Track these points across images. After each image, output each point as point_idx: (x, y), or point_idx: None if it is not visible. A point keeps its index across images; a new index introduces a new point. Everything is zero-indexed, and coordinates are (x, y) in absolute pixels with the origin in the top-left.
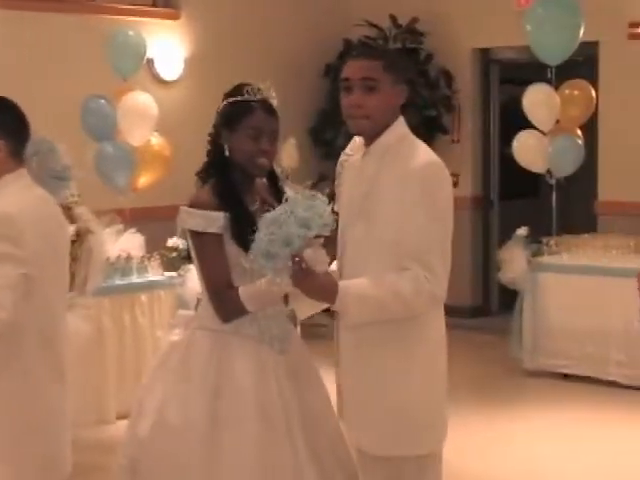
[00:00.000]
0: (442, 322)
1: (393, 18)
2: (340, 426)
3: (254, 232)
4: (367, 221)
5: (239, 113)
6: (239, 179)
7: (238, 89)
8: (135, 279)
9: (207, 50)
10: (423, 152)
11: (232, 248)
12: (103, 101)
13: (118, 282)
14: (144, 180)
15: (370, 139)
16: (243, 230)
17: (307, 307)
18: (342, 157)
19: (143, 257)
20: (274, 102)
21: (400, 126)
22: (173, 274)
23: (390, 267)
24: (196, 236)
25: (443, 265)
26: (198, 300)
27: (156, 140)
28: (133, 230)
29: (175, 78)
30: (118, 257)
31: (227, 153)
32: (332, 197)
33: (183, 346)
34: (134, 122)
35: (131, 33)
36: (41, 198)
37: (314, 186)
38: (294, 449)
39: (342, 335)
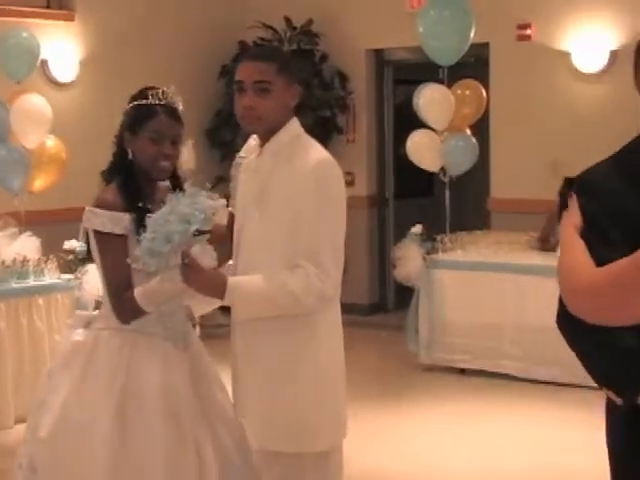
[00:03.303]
0: (335, 320)
1: (288, 20)
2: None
3: None
4: (261, 219)
5: (142, 117)
6: (142, 182)
7: (143, 93)
8: (32, 282)
9: (102, 52)
10: (315, 151)
11: (131, 255)
12: None
13: (14, 285)
14: (39, 183)
15: (264, 139)
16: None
17: (202, 304)
18: (236, 160)
19: (39, 260)
20: (179, 107)
21: (294, 126)
22: (70, 277)
23: (284, 265)
24: (100, 236)
25: (335, 264)
26: (97, 302)
27: (51, 142)
28: (29, 233)
29: (70, 80)
30: (14, 260)
31: (130, 156)
32: (227, 198)
33: (89, 346)
34: (28, 125)
35: (24, 35)
36: None
37: (212, 188)
38: (199, 447)
39: (237, 333)
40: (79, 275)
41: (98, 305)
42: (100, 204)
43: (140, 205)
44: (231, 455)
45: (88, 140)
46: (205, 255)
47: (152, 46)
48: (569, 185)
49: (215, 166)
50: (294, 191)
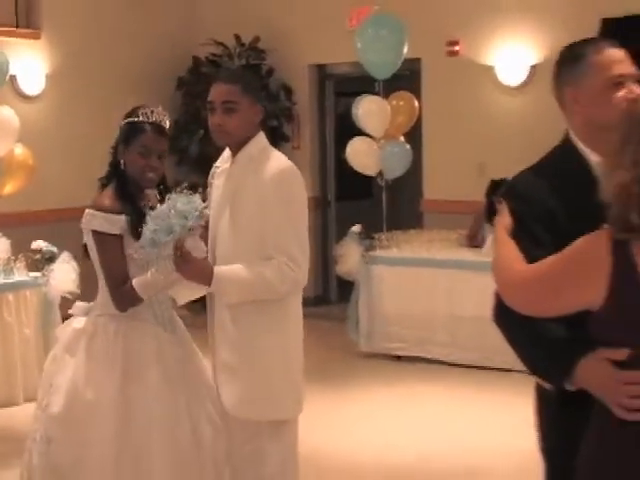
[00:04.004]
0: (300, 307)
1: (237, 37)
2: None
3: None
4: (234, 218)
5: (133, 132)
6: (133, 188)
7: (135, 111)
8: (2, 280)
9: (66, 67)
10: (279, 160)
11: (132, 246)
12: None
13: None
14: (9, 188)
15: (235, 151)
16: (141, 229)
17: (186, 294)
18: (213, 170)
19: (9, 259)
20: (166, 125)
21: (261, 139)
22: (37, 274)
23: (256, 257)
24: (99, 236)
25: (303, 254)
26: (62, 298)
27: (20, 151)
28: None
29: (37, 93)
30: None
31: (122, 166)
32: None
33: (89, 331)
34: None
35: None
36: None
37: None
38: (193, 418)
39: (217, 315)
40: (46, 273)
41: (64, 301)
42: (98, 207)
43: (134, 208)
44: (218, 423)
45: (53, 148)
46: (196, 247)
47: (113, 62)
48: (494, 187)
49: (172, 170)
50: (261, 195)
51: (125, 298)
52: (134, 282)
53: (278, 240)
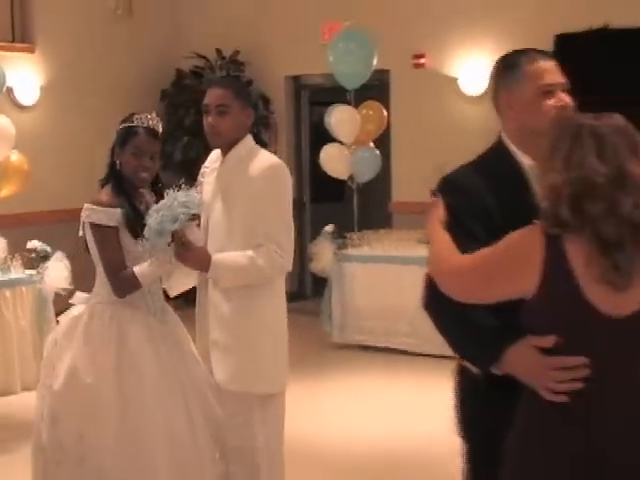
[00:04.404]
0: (283, 290)
1: (218, 51)
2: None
3: (143, 225)
4: (226, 210)
5: (127, 135)
6: (128, 186)
7: (130, 117)
8: (0, 277)
9: (59, 79)
10: (268, 157)
11: (127, 238)
12: None
13: None
14: (5, 191)
15: (225, 151)
16: (135, 222)
17: (179, 285)
18: (202, 170)
19: (6, 258)
20: (158, 129)
21: (249, 140)
22: (33, 272)
23: (247, 246)
24: (97, 228)
25: (289, 242)
26: (56, 294)
27: (15, 157)
28: None
29: (32, 103)
30: None
31: (118, 167)
32: None
33: (86, 318)
34: None
35: None
36: None
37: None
38: (184, 391)
39: (210, 299)
40: (40, 271)
41: (57, 297)
42: (97, 202)
43: (129, 203)
44: (211, 403)
45: (47, 154)
46: (196, 236)
47: (102, 74)
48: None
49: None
50: (252, 189)
51: (123, 284)
52: (135, 269)
53: (268, 229)
